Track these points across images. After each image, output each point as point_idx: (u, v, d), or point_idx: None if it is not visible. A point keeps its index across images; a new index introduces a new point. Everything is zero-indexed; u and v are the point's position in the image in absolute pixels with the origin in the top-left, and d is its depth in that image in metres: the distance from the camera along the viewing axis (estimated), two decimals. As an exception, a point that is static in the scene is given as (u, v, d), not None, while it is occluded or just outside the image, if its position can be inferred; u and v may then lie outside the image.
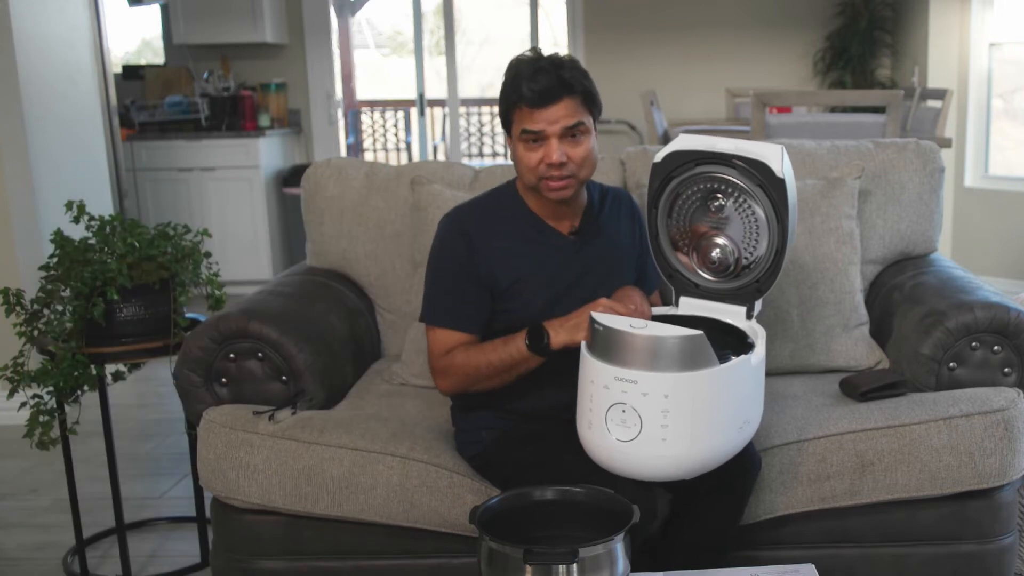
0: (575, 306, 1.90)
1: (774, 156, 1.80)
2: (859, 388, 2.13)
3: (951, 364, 2.13)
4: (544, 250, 2.01)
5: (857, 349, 2.38)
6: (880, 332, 2.43)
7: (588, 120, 1.92)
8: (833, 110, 5.40)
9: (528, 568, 1.50)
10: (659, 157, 1.90)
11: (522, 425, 2.01)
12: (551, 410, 1.96)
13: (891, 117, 3.76)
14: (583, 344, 1.76)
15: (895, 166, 2.56)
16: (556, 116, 1.87)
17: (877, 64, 6.50)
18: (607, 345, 1.68)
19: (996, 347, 2.11)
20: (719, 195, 1.87)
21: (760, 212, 1.84)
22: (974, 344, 2.11)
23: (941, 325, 2.12)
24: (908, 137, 3.18)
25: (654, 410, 1.64)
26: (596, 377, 1.69)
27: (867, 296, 2.55)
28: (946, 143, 4.23)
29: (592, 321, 1.72)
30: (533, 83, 1.86)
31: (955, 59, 5.71)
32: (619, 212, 2.12)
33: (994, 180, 5.68)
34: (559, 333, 1.84)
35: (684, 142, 1.88)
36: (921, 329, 2.17)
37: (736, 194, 1.86)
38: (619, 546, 1.55)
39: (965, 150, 5.71)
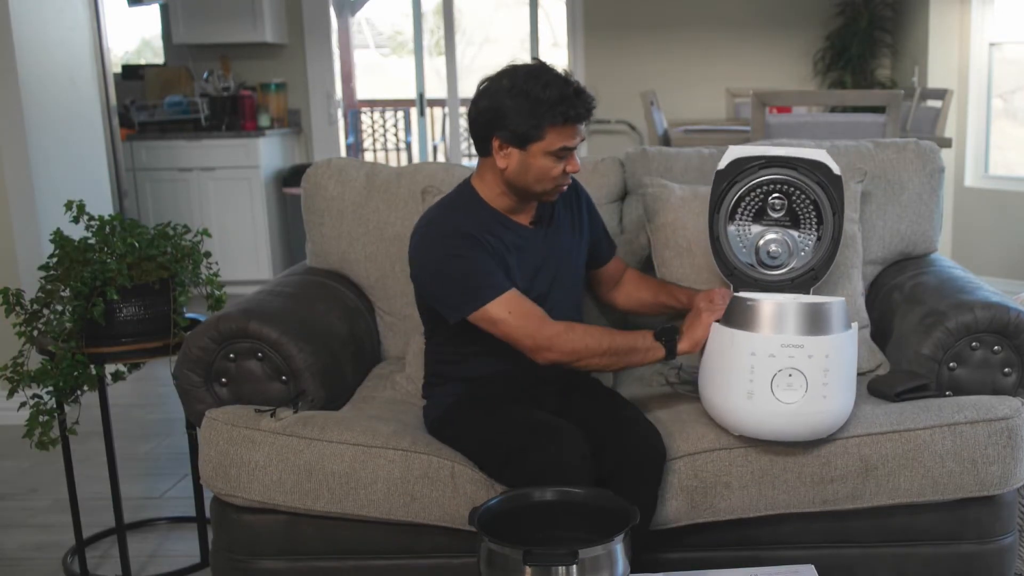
0: (543, 287, 2.11)
1: (827, 157, 2.14)
2: (894, 388, 2.13)
3: (951, 364, 2.13)
4: (515, 242, 2.10)
5: (859, 352, 2.37)
6: (880, 332, 2.43)
7: None
8: (833, 110, 5.39)
9: (528, 569, 1.50)
10: (722, 164, 2.15)
11: (478, 392, 2.14)
12: (506, 374, 2.13)
13: (891, 117, 3.76)
14: (720, 326, 1.97)
15: (895, 166, 2.56)
16: (582, 131, 2.03)
17: (877, 64, 6.50)
18: (765, 318, 1.91)
19: (996, 347, 2.11)
20: (779, 195, 2.15)
21: (819, 207, 2.14)
22: (974, 344, 2.11)
23: (941, 325, 2.12)
24: (908, 137, 3.18)
25: (818, 370, 1.88)
26: (758, 349, 1.90)
27: (867, 296, 2.55)
28: (946, 143, 4.23)
29: (742, 300, 1.95)
30: (580, 103, 1.97)
31: (955, 59, 5.71)
32: (565, 199, 2.22)
33: (994, 180, 5.68)
34: (683, 341, 2.03)
35: (742, 150, 2.16)
36: (921, 329, 2.17)
37: (797, 193, 2.15)
38: (619, 547, 1.55)
39: (965, 150, 5.71)
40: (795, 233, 2.16)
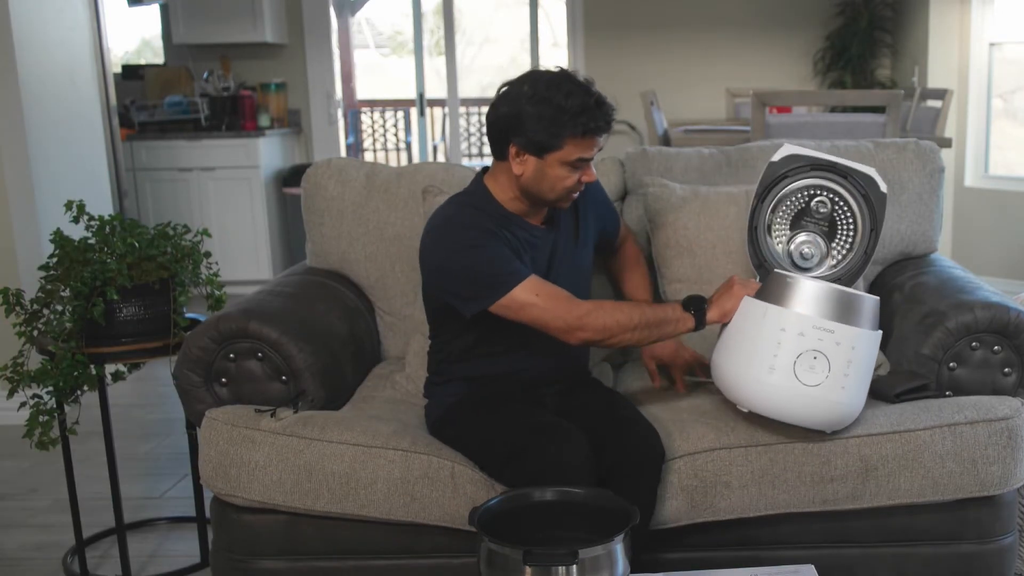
0: (556, 284, 2.03)
1: (876, 175, 2.15)
2: (894, 389, 2.12)
3: (951, 364, 2.13)
4: (528, 240, 2.10)
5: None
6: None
7: None
8: (833, 110, 5.39)
9: (528, 569, 1.50)
10: (776, 157, 2.17)
11: (481, 391, 2.14)
12: (509, 374, 2.14)
13: (891, 117, 3.76)
14: (753, 299, 1.97)
15: (895, 166, 2.56)
16: (600, 142, 2.00)
17: (877, 64, 6.50)
18: (803, 297, 1.91)
19: (996, 347, 2.11)
20: (823, 200, 2.17)
21: (858, 220, 2.16)
22: (974, 344, 2.11)
23: (941, 325, 2.12)
24: (908, 137, 3.18)
25: (842, 360, 1.88)
26: (790, 325, 1.90)
27: (867, 296, 2.56)
28: (946, 143, 4.23)
29: (782, 275, 1.96)
30: (601, 115, 1.95)
31: (955, 59, 5.71)
32: None
33: (994, 180, 5.68)
34: (713, 310, 2.03)
35: (798, 148, 2.18)
36: (921, 329, 2.17)
37: (840, 201, 2.16)
38: (619, 547, 1.55)
39: (965, 150, 5.71)
40: (830, 240, 2.18)
